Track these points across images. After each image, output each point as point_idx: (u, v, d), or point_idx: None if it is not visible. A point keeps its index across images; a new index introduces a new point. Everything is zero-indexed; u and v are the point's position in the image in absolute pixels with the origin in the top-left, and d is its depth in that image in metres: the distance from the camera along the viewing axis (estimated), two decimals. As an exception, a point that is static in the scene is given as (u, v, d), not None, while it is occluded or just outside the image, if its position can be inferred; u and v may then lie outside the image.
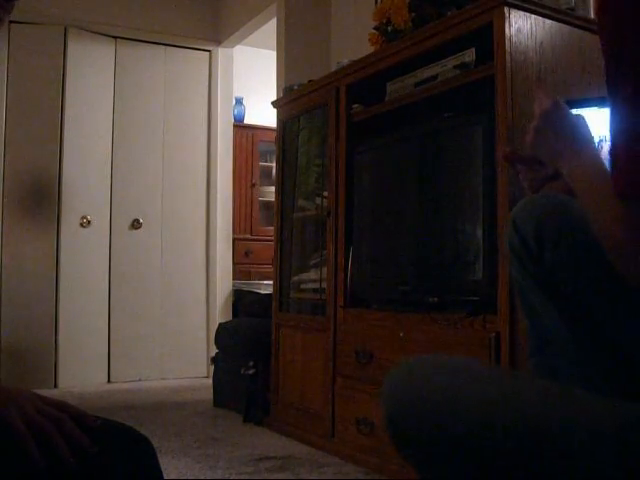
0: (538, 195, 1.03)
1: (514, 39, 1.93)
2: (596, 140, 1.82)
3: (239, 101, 5.39)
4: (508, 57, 1.91)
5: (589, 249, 0.89)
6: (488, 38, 1.97)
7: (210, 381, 3.66)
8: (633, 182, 0.66)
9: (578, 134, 0.96)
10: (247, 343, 3.26)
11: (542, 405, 0.73)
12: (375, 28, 2.61)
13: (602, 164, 0.85)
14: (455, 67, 2.16)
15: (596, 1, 0.70)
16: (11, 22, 4.04)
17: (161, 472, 0.82)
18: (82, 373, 4.09)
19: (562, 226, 0.94)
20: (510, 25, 1.92)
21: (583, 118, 1.00)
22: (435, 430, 0.77)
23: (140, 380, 4.27)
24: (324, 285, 2.73)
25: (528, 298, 1.01)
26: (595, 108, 1.79)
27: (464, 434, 0.75)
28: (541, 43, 1.99)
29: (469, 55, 2.12)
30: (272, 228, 3.38)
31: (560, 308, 0.97)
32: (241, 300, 4.09)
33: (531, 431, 0.70)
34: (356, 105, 2.63)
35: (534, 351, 1.03)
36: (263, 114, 5.21)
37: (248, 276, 5.09)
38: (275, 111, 3.20)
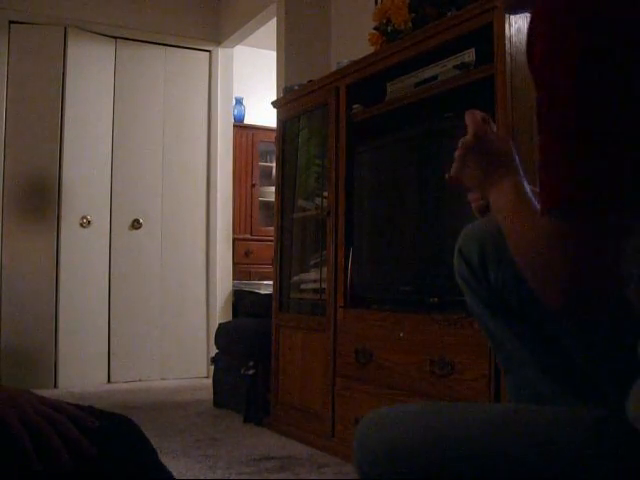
0: (478, 221, 1.07)
1: (514, 39, 1.93)
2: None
3: (239, 101, 5.39)
4: (508, 57, 1.91)
5: None
6: (488, 38, 1.97)
7: (210, 381, 3.66)
8: (555, 194, 0.68)
9: (499, 163, 0.95)
10: (247, 343, 3.26)
11: (509, 428, 0.78)
12: (375, 28, 2.61)
13: (523, 192, 0.86)
14: (455, 67, 2.16)
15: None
16: (11, 22, 4.05)
17: (153, 451, 0.82)
18: (82, 373, 4.09)
19: (502, 245, 0.95)
20: (510, 25, 1.92)
21: (509, 141, 1.00)
22: (403, 474, 0.81)
23: (140, 380, 4.27)
24: (324, 285, 2.73)
25: (485, 324, 1.04)
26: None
27: (435, 475, 0.79)
28: (541, 43, 1.98)
29: (469, 55, 2.12)
30: (272, 228, 3.38)
31: (513, 327, 0.99)
32: (241, 300, 4.09)
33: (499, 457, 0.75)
34: (356, 105, 2.63)
35: (504, 370, 1.07)
36: (263, 114, 5.21)
37: (248, 276, 5.09)
38: (275, 111, 3.20)
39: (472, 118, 1.01)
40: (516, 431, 0.76)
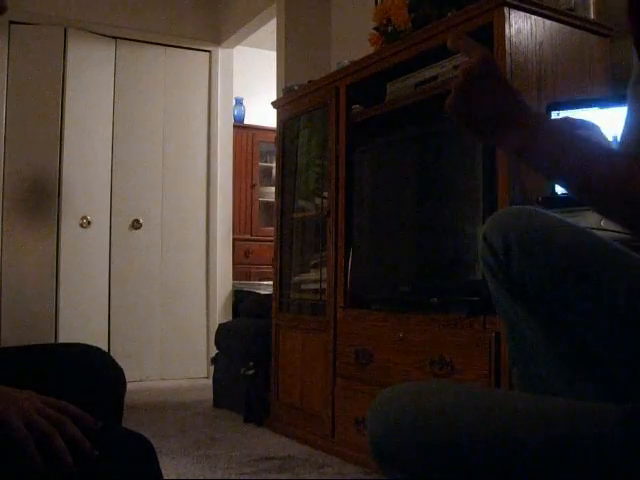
0: (506, 209, 1.04)
1: (514, 39, 1.93)
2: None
3: (239, 101, 5.39)
4: (508, 57, 1.91)
5: (552, 259, 0.92)
6: (488, 39, 1.97)
7: (210, 381, 3.66)
8: None
9: (521, 98, 0.82)
10: (247, 343, 3.26)
11: (537, 415, 0.76)
12: (375, 28, 2.61)
13: (575, 136, 0.79)
14: (455, 67, 2.16)
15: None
16: (11, 22, 4.04)
17: (161, 474, 0.82)
18: (82, 373, 4.09)
19: (526, 235, 0.94)
20: (510, 25, 1.92)
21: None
22: (418, 450, 0.80)
23: (140, 380, 4.27)
24: (324, 285, 2.73)
25: (505, 309, 1.03)
26: (596, 108, 1.79)
27: (445, 453, 0.77)
28: (541, 43, 1.99)
29: (469, 55, 2.12)
30: (272, 228, 3.38)
31: (534, 316, 0.98)
32: (241, 301, 4.09)
33: (514, 442, 0.73)
34: (356, 105, 2.63)
35: (516, 361, 1.05)
36: (263, 114, 5.21)
37: (248, 276, 5.09)
38: (275, 111, 3.20)
39: (472, 42, 0.84)
40: (538, 421, 0.74)
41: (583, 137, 0.81)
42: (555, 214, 0.99)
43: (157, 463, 0.81)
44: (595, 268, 0.92)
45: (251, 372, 3.08)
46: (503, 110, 0.81)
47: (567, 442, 0.71)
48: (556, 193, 1.82)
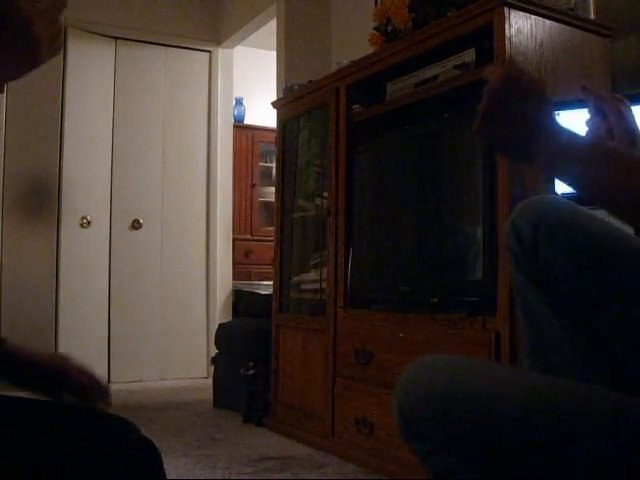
0: (536, 197, 1.03)
1: (514, 39, 1.93)
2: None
3: (239, 101, 5.39)
4: (508, 58, 1.91)
5: (581, 249, 0.92)
6: (488, 38, 1.97)
7: (210, 381, 3.66)
8: None
9: (548, 112, 0.79)
10: (247, 343, 3.26)
11: (547, 394, 0.78)
12: (375, 28, 2.61)
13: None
14: (455, 67, 2.16)
15: None
16: (11, 22, 4.04)
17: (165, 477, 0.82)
18: (82, 373, 4.09)
19: (555, 227, 0.94)
20: (510, 25, 1.92)
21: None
22: (443, 421, 0.82)
23: (140, 380, 4.26)
24: (324, 285, 2.73)
25: (525, 297, 1.02)
26: (595, 108, 1.79)
27: (471, 425, 0.80)
28: (541, 43, 1.99)
29: (469, 55, 2.12)
30: (272, 228, 3.38)
31: (555, 306, 0.98)
32: (241, 300, 4.09)
33: (534, 417, 0.75)
34: (356, 105, 2.63)
35: (529, 351, 1.05)
36: (263, 114, 5.21)
37: (248, 276, 5.09)
38: (275, 111, 3.20)
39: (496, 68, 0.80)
40: (556, 401, 0.76)
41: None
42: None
43: (161, 466, 0.82)
44: (623, 259, 0.91)
45: (251, 372, 3.08)
46: (532, 128, 0.79)
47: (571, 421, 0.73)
48: (556, 193, 1.82)
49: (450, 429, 0.81)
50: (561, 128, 0.81)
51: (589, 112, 0.97)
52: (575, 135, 0.83)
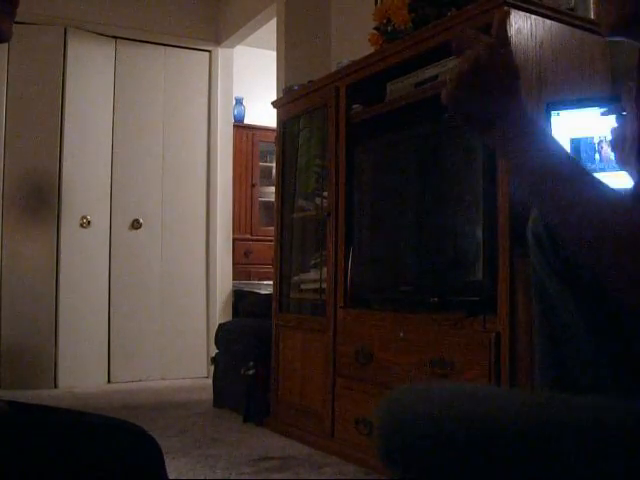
0: None
1: (514, 39, 1.93)
2: (596, 140, 1.82)
3: (239, 101, 5.39)
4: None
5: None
6: (488, 38, 1.97)
7: (210, 381, 3.66)
8: None
9: (520, 99, 0.78)
10: (247, 343, 3.26)
11: (537, 409, 0.75)
12: (375, 28, 2.61)
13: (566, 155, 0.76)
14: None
15: None
16: (11, 22, 4.04)
17: (166, 472, 0.82)
18: (82, 373, 4.09)
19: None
20: (510, 25, 1.92)
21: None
22: (424, 442, 0.78)
23: (140, 380, 4.27)
24: (324, 285, 2.73)
25: (545, 287, 1.00)
26: (596, 108, 1.79)
27: (457, 446, 0.75)
28: (541, 43, 1.99)
29: (469, 55, 2.12)
30: (272, 228, 3.38)
31: (577, 296, 0.96)
32: (241, 300, 4.09)
33: (534, 433, 0.72)
34: (356, 105, 2.63)
35: (543, 348, 1.03)
36: (263, 114, 5.21)
37: (248, 276, 5.09)
38: (275, 111, 3.20)
39: (478, 33, 0.80)
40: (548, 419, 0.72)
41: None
42: None
43: (162, 460, 0.82)
44: None
45: (251, 372, 3.08)
46: (501, 110, 0.79)
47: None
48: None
49: (431, 454, 0.77)
50: (522, 111, 0.79)
51: (616, 121, 0.96)
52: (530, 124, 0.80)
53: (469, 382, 1.94)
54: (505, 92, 0.79)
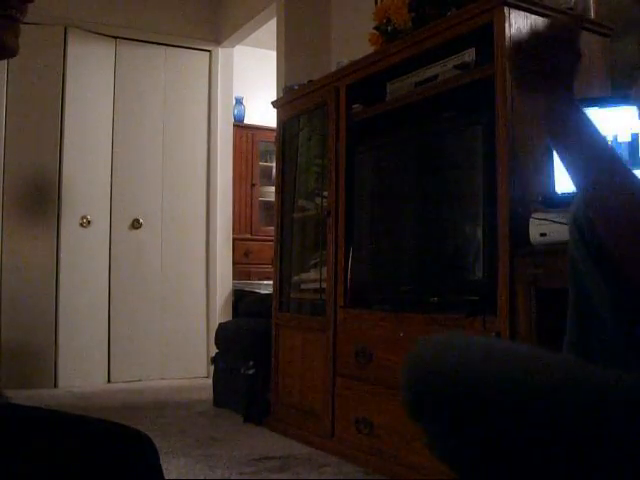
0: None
1: (514, 39, 1.92)
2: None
3: (239, 101, 5.39)
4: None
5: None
6: (488, 38, 1.97)
7: (210, 381, 3.66)
8: None
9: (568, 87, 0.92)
10: (247, 343, 3.26)
11: (555, 371, 0.78)
12: (375, 28, 2.61)
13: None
14: (455, 67, 2.16)
15: None
16: (11, 22, 4.04)
17: (162, 472, 0.82)
18: (82, 373, 4.09)
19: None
20: (510, 25, 1.92)
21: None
22: (451, 394, 0.81)
23: (140, 380, 4.26)
24: (324, 285, 2.73)
25: (581, 279, 1.01)
26: (595, 108, 1.79)
27: (479, 402, 0.78)
28: (541, 43, 1.98)
29: (469, 55, 2.12)
30: (272, 228, 3.38)
31: (619, 290, 0.97)
32: (241, 300, 4.09)
33: (544, 393, 0.76)
34: (356, 105, 2.63)
35: (571, 329, 1.05)
36: (263, 114, 5.21)
37: (248, 276, 5.09)
38: (275, 111, 3.20)
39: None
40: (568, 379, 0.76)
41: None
42: None
43: (158, 460, 0.82)
44: None
45: (251, 372, 3.08)
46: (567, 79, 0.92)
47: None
48: (556, 193, 1.82)
49: (458, 408, 0.80)
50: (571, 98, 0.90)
51: None
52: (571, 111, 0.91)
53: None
54: (572, 64, 0.93)
